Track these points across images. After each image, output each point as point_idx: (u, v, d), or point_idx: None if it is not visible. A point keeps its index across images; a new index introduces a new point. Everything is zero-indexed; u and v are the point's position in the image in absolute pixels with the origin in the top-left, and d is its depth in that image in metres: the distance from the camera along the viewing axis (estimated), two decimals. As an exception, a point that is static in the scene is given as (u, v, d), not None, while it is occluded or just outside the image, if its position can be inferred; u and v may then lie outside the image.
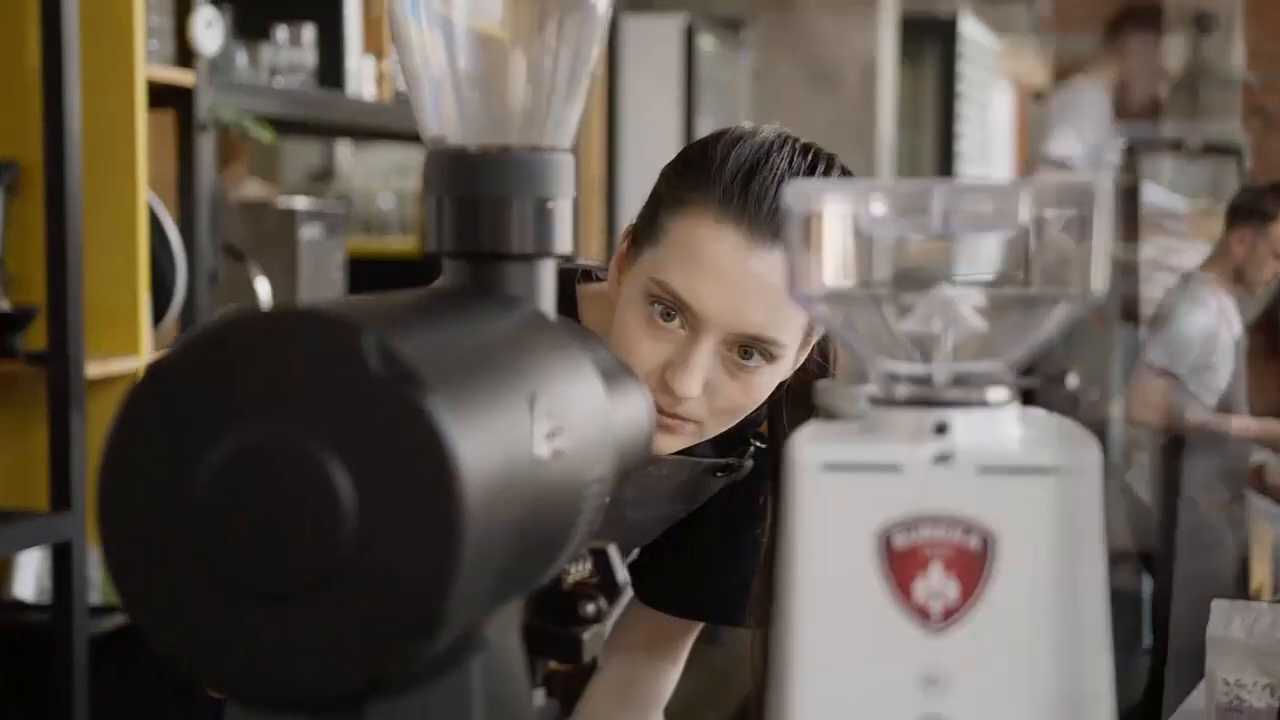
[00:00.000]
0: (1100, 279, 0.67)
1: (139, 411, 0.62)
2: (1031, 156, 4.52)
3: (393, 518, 0.60)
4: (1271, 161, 5.26)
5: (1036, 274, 0.69)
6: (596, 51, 0.83)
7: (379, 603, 0.60)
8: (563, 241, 0.81)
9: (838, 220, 0.69)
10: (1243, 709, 1.95)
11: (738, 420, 1.30)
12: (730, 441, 1.40)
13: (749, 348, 1.24)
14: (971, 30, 7.42)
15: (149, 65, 2.51)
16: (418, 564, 0.60)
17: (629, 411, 0.83)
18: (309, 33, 3.01)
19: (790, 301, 1.22)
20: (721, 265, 1.21)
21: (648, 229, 1.28)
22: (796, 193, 0.69)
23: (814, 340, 1.32)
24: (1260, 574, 4.12)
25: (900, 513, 0.67)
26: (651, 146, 4.57)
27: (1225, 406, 4.04)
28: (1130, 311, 4.52)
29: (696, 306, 1.22)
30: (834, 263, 0.70)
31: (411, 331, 0.64)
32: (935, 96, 7.26)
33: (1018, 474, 0.66)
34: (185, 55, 2.62)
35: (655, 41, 4.84)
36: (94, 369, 2.38)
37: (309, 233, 3.02)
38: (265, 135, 2.70)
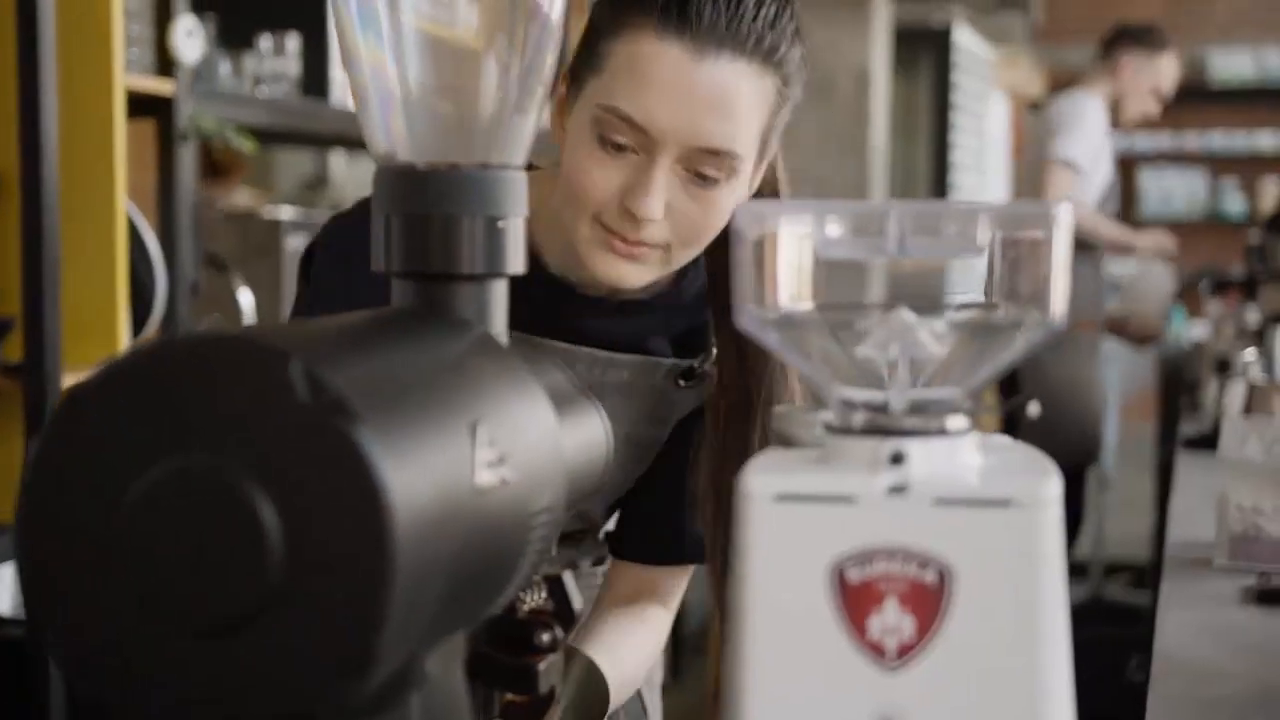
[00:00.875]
0: (1061, 306, 0.65)
1: (61, 438, 0.60)
2: (1032, 158, 4.53)
3: (321, 551, 0.57)
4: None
5: (997, 299, 0.67)
6: (551, 62, 0.81)
7: (308, 639, 0.58)
8: (515, 261, 0.78)
9: (792, 242, 0.67)
10: (1260, 537, 1.80)
11: (701, 247, 1.28)
12: (690, 350, 1.40)
13: (703, 172, 1.23)
14: (966, 40, 7.41)
15: (129, 74, 2.48)
16: (347, 599, 0.57)
17: (582, 435, 0.81)
18: (293, 42, 2.99)
19: (744, 112, 1.21)
20: (668, 79, 1.20)
21: (587, 61, 1.26)
22: (748, 214, 0.67)
23: (769, 158, 1.31)
24: None
25: (854, 546, 0.65)
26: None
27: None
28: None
29: (648, 125, 1.21)
30: (788, 285, 0.68)
31: (344, 359, 0.61)
32: (930, 106, 7.24)
33: (975, 506, 0.64)
34: (166, 64, 2.60)
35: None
36: (71, 381, 2.35)
37: (295, 243, 3.00)
38: (247, 145, 2.67)
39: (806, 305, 0.68)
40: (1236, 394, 2.87)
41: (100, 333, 2.45)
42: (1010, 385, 4.08)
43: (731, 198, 1.25)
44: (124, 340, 2.48)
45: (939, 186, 7.22)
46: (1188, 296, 9.77)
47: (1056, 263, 0.65)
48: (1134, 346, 5.25)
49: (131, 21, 2.54)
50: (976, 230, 0.65)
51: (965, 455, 0.67)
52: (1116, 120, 4.65)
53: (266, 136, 3.17)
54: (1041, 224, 0.65)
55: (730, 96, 1.21)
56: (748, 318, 0.67)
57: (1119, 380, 5.81)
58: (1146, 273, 4.84)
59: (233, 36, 2.95)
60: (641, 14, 1.22)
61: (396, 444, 0.59)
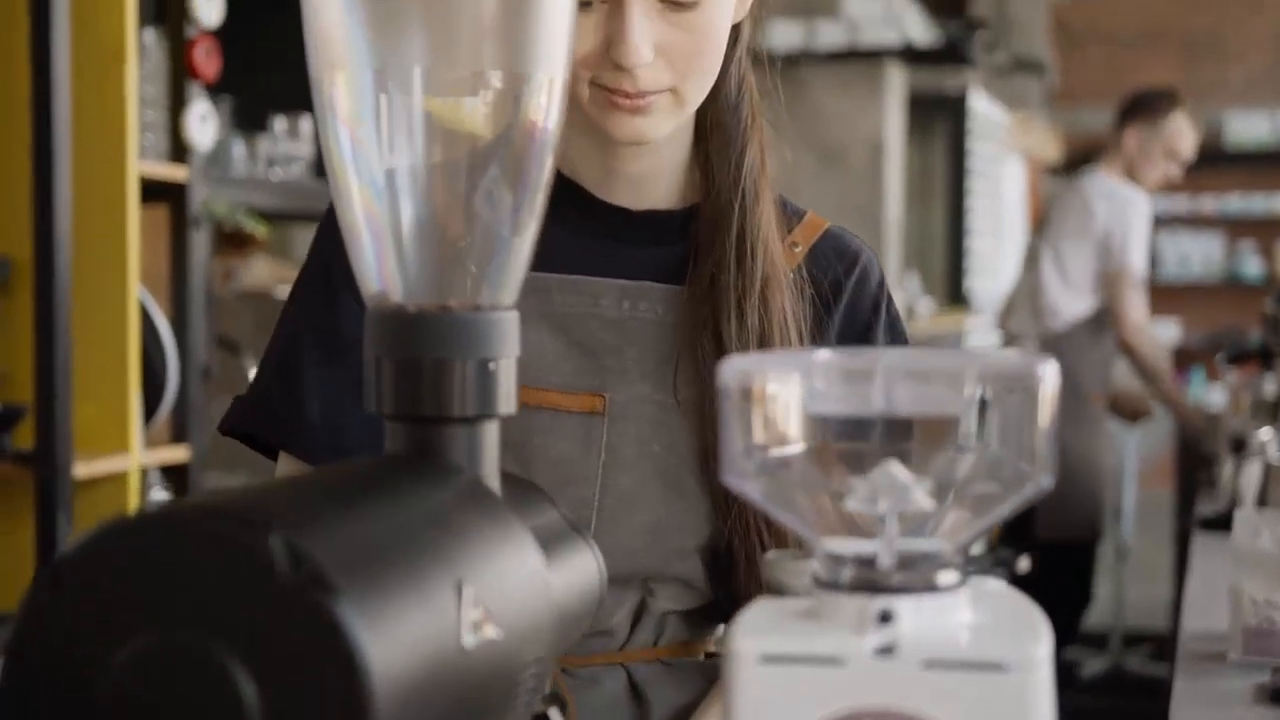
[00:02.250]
0: (1047, 468, 0.64)
1: (40, 612, 0.59)
2: (1103, 267, 4.48)
3: (301, 727, 0.57)
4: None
5: (987, 453, 0.66)
6: (540, 203, 0.81)
7: (289, 813, 0.57)
8: (507, 402, 0.78)
9: (777, 394, 0.67)
10: (1275, 631, 1.77)
11: (710, 77, 1.22)
12: None
13: None
14: (981, 106, 7.42)
15: (143, 161, 2.50)
16: (328, 775, 0.57)
17: (573, 576, 0.80)
18: (306, 124, 3.00)
19: None
20: None
21: None
22: (732, 369, 0.67)
23: None
24: None
25: (842, 708, 0.64)
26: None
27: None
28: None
29: None
30: (774, 438, 0.67)
31: (325, 525, 0.61)
32: (946, 171, 7.26)
33: (965, 669, 0.63)
34: (180, 149, 2.62)
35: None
36: (82, 469, 2.36)
37: (308, 321, 3.00)
38: (259, 230, 2.69)
39: (793, 456, 0.68)
40: (1252, 475, 2.85)
41: (112, 419, 2.45)
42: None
43: (720, 13, 1.20)
44: (136, 427, 2.48)
45: (954, 253, 7.22)
46: (1206, 360, 9.76)
47: (1044, 418, 0.65)
48: (1125, 423, 5.25)
49: (146, 108, 2.56)
50: (964, 384, 0.65)
51: (955, 612, 0.66)
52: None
53: (280, 216, 3.18)
54: (1028, 380, 0.64)
55: None
56: (732, 471, 0.67)
57: (1136, 448, 5.79)
58: None
59: (247, 118, 2.97)
60: None
61: (378, 614, 0.59)
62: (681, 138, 1.30)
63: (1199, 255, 10.02)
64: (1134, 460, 5.80)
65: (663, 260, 1.31)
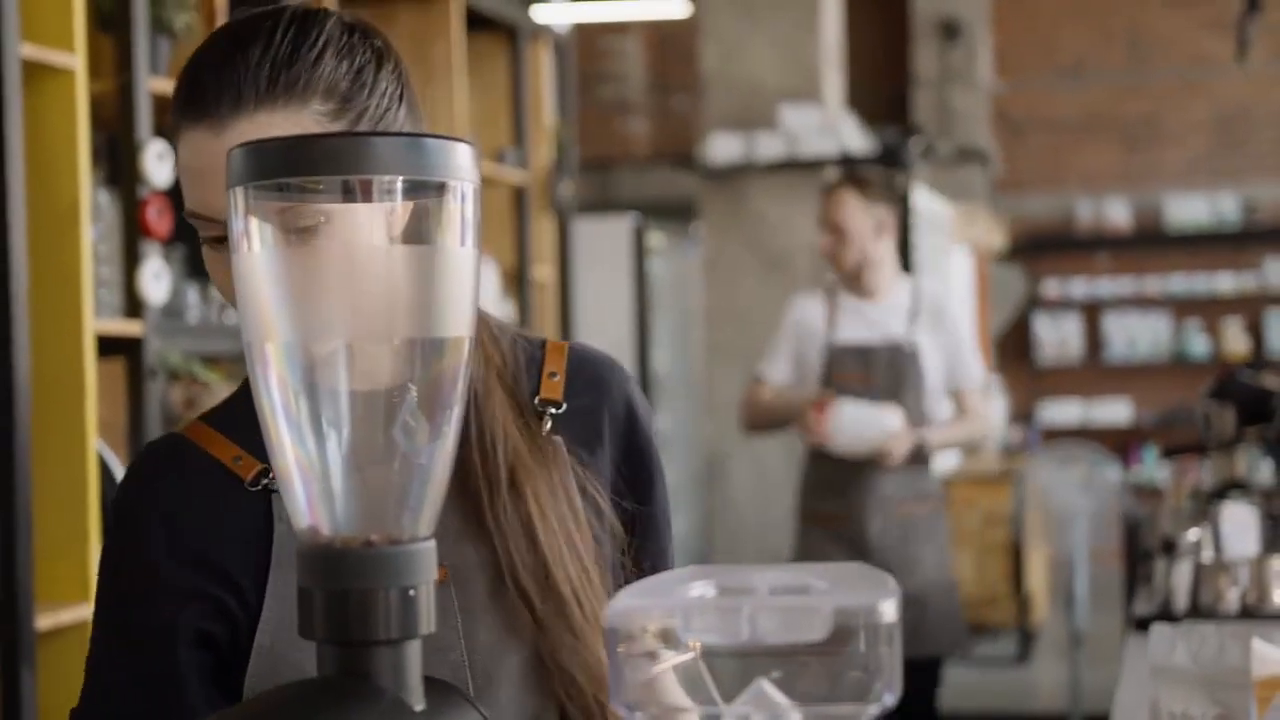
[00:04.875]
0: (893, 690, 0.74)
1: None
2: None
3: None
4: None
5: (842, 682, 0.76)
6: (453, 439, 0.90)
7: None
8: (427, 623, 0.87)
9: (660, 635, 0.76)
10: None
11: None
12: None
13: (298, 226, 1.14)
14: (924, 201, 7.59)
15: (98, 319, 2.59)
16: None
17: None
18: (258, 268, 3.11)
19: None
20: (203, 162, 1.19)
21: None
22: (619, 611, 0.76)
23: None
24: None
25: None
26: (605, 343, 4.67)
27: None
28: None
29: (209, 209, 1.18)
30: (657, 674, 0.76)
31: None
32: (892, 267, 7.38)
33: None
34: (134, 305, 2.71)
35: (606, 239, 4.97)
36: (44, 620, 2.43)
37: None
38: (212, 378, 2.78)
39: (676, 695, 0.77)
40: (1183, 575, 2.93)
41: (73, 571, 2.52)
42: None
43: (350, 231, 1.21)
44: (94, 576, 2.55)
45: (904, 346, 7.34)
46: (1157, 439, 9.91)
47: (886, 647, 0.74)
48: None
49: (101, 265, 2.65)
50: (816, 622, 0.74)
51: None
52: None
53: (236, 359, 3.27)
54: (872, 615, 0.74)
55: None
56: (621, 704, 0.76)
57: (1086, 532, 5.89)
58: None
59: (200, 265, 3.06)
60: (174, 114, 1.22)
61: None
62: None
63: (1146, 335, 10.21)
64: (1084, 546, 5.90)
65: None
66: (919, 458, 4.01)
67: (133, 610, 1.28)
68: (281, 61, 1.20)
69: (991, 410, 4.04)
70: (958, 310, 4.00)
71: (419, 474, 0.89)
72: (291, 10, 1.24)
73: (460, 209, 0.88)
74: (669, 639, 0.76)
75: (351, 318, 0.86)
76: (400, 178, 0.86)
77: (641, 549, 1.35)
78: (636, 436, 1.37)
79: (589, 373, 1.36)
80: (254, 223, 0.87)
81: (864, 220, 3.97)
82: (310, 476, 0.87)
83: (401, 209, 0.89)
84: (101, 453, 2.57)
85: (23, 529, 2.39)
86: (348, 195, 0.88)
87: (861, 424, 3.81)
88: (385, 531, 0.88)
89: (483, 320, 1.32)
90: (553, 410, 1.32)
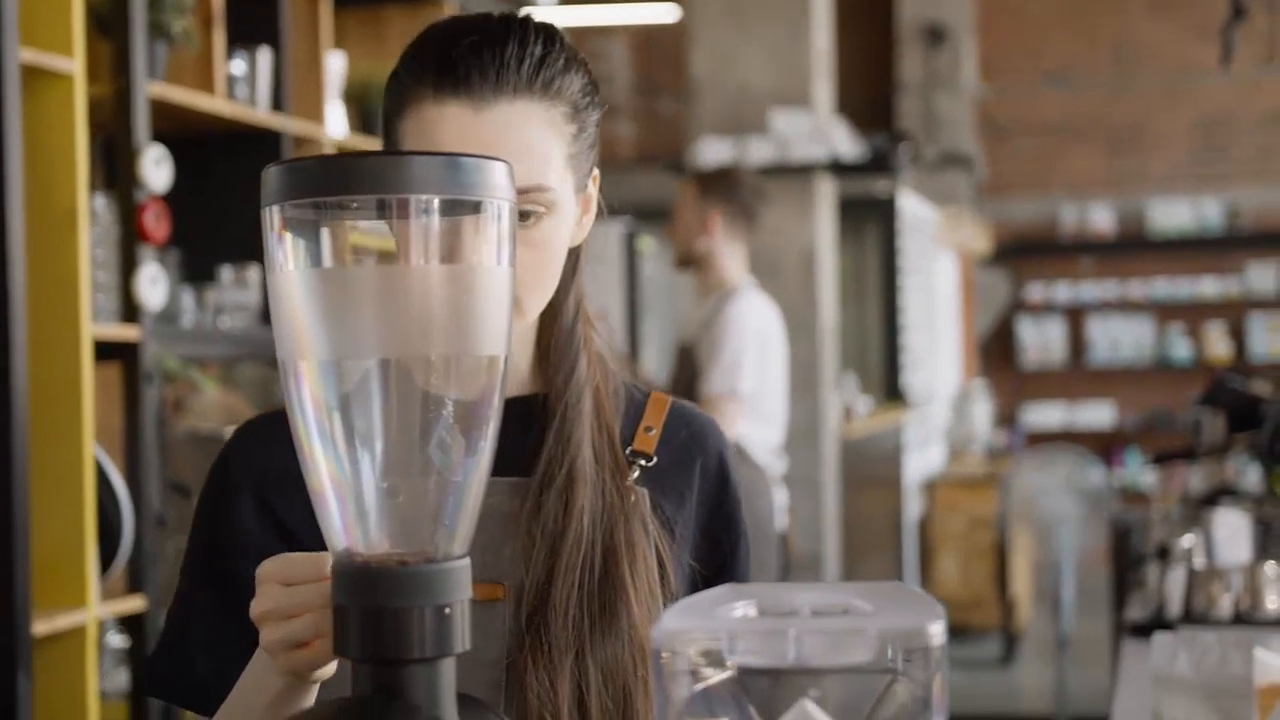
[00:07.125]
0: (942, 713, 0.74)
1: None
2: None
3: None
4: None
5: (888, 703, 0.76)
6: (488, 458, 0.90)
7: None
8: (462, 641, 0.87)
9: (704, 655, 0.76)
10: None
11: (548, 288, 1.26)
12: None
13: (520, 209, 1.20)
14: (910, 205, 7.61)
15: (96, 324, 2.58)
16: None
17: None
18: (254, 273, 3.10)
19: (536, 145, 1.20)
20: (454, 136, 1.20)
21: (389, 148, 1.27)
22: (666, 633, 0.76)
23: (588, 181, 1.31)
24: None
25: None
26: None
27: None
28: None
29: None
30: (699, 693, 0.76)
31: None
32: (878, 271, 7.41)
33: None
34: (131, 310, 2.70)
35: (596, 246, 4.94)
36: (40, 625, 2.42)
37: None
38: (208, 385, 2.77)
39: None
40: (1177, 581, 2.94)
41: (69, 575, 2.51)
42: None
43: (558, 230, 1.25)
44: (92, 582, 2.54)
45: (890, 350, 7.37)
46: (1140, 442, 9.94)
47: (937, 685, 0.74)
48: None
49: (98, 270, 2.65)
50: (860, 645, 0.74)
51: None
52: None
53: (230, 364, 3.27)
54: (921, 638, 0.74)
55: (517, 135, 1.22)
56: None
57: (1072, 539, 5.91)
58: None
59: (196, 269, 3.06)
60: (419, 87, 1.23)
61: None
62: (525, 337, 1.32)
63: (1129, 339, 10.24)
64: (1071, 552, 5.92)
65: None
66: None
67: (219, 560, 1.29)
68: (538, 60, 1.24)
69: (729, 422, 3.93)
70: (732, 329, 3.92)
71: (454, 491, 0.89)
72: (527, 16, 1.28)
73: (497, 227, 0.88)
74: (713, 660, 0.76)
75: (387, 336, 0.86)
76: (437, 197, 0.86)
77: None
78: (727, 501, 1.37)
79: (686, 431, 1.37)
80: (289, 240, 0.87)
81: (691, 215, 4.00)
82: (345, 495, 0.87)
83: (438, 226, 0.89)
84: (99, 458, 2.56)
85: (20, 533, 2.38)
86: (383, 214, 0.88)
87: None
88: (420, 550, 0.88)
89: (600, 363, 1.34)
90: (642, 462, 1.32)
